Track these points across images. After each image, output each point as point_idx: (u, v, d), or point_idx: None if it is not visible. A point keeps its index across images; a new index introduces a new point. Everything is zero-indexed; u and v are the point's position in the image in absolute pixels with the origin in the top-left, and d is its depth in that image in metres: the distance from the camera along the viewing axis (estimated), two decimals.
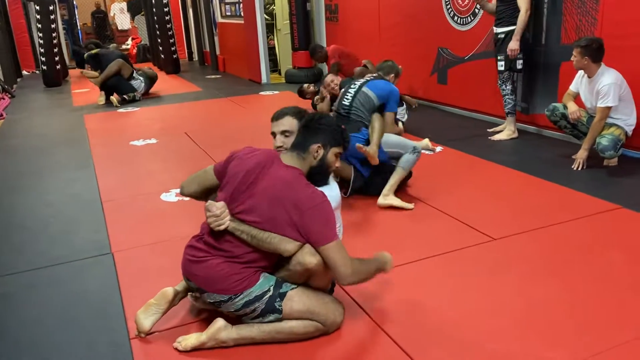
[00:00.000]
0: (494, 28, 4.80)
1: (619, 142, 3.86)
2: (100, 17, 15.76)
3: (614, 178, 3.81)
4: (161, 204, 3.79)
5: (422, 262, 2.74)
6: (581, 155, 3.99)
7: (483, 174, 4.08)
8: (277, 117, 2.47)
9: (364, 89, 3.77)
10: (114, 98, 7.66)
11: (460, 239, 2.96)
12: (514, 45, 4.59)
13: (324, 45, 8.66)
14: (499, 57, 4.75)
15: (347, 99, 3.78)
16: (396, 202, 3.46)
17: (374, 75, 4.05)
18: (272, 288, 2.08)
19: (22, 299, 2.64)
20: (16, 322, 2.43)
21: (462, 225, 3.15)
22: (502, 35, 4.71)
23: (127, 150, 5.28)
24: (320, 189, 2.10)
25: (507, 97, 4.83)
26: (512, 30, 4.59)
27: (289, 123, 2.42)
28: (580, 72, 3.99)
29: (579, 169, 3.97)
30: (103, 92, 7.78)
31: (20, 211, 3.82)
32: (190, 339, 2.11)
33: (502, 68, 4.75)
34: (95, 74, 7.75)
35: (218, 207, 2.04)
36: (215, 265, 2.07)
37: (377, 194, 3.53)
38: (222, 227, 2.03)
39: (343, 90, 3.92)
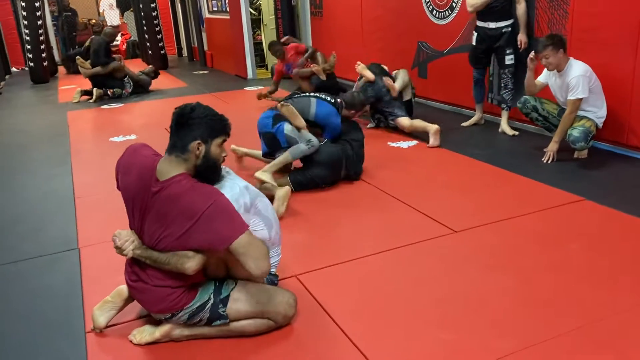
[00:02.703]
0: (492, 23, 4.67)
1: (590, 133, 3.89)
2: (69, 17, 12.19)
3: (582, 170, 3.85)
4: None
5: (381, 255, 2.77)
6: (552, 147, 4.02)
7: (453, 167, 4.11)
8: None
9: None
10: (95, 92, 7.66)
11: (422, 232, 3.00)
12: (525, 37, 4.57)
13: (310, 41, 8.68)
14: (507, 52, 4.68)
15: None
16: (269, 179, 3.47)
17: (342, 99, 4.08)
18: (212, 296, 2.06)
19: None
20: None
21: (425, 217, 3.19)
22: (509, 29, 4.64)
23: (106, 146, 5.30)
24: (221, 190, 1.99)
25: (509, 92, 4.78)
26: (512, 24, 4.63)
27: None
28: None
29: (549, 161, 4.00)
30: (78, 90, 7.78)
31: None
32: (145, 335, 2.15)
33: (512, 62, 4.70)
34: (88, 64, 7.77)
35: (121, 237, 2.03)
36: (149, 290, 2.05)
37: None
38: (127, 257, 2.03)
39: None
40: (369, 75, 5.05)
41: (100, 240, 3.15)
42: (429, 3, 5.84)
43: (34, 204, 3.86)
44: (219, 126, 2.03)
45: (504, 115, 4.88)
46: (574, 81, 3.81)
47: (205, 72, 10.36)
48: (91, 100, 7.64)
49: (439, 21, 5.76)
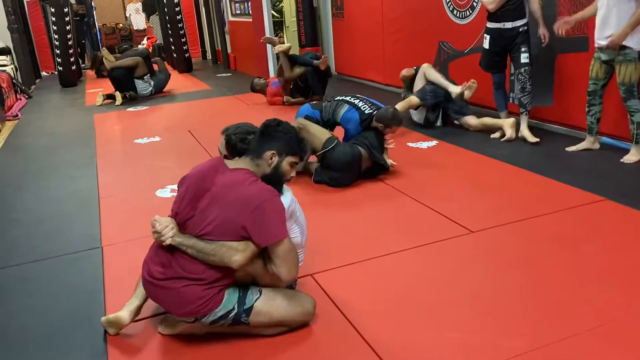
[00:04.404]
0: (508, 23, 4.45)
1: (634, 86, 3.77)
2: (77, 22, 11.72)
3: (604, 170, 3.78)
4: (156, 199, 3.90)
5: (397, 255, 2.79)
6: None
7: (472, 167, 4.09)
8: (223, 131, 2.65)
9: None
10: (118, 96, 7.84)
11: (438, 232, 3.00)
12: (546, 30, 4.41)
13: (332, 42, 8.72)
14: (523, 49, 4.47)
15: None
16: None
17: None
18: (235, 306, 2.06)
19: (12, 290, 2.76)
20: (4, 312, 2.56)
21: (442, 217, 3.19)
22: (525, 28, 4.46)
23: (130, 148, 5.42)
24: None
25: (528, 95, 4.54)
26: (527, 22, 4.47)
27: (222, 142, 2.54)
28: None
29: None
30: (101, 94, 7.87)
31: (19, 207, 3.96)
32: (166, 327, 2.22)
33: (528, 60, 4.48)
34: (112, 57, 7.96)
35: (161, 222, 2.03)
36: (177, 291, 2.02)
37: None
38: (165, 243, 2.01)
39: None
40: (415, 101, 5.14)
41: (123, 239, 3.24)
42: (450, 3, 5.81)
43: (60, 203, 3.98)
44: (296, 146, 2.17)
45: (524, 120, 4.61)
46: None
47: (229, 74, 10.48)
48: (116, 104, 7.80)
49: (459, 21, 5.73)
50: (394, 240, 2.95)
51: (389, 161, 3.99)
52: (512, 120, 4.70)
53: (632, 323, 2.10)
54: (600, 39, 3.84)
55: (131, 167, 4.75)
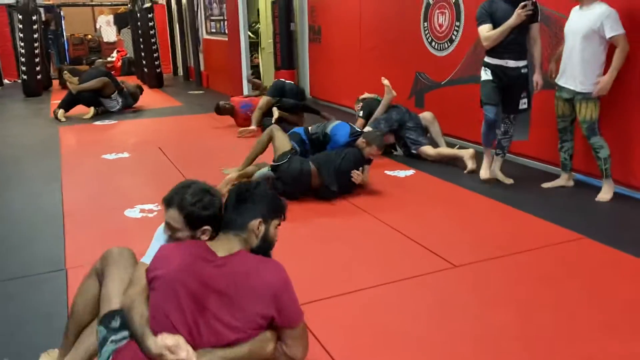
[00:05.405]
0: (512, 62, 4.05)
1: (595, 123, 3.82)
2: (43, 30, 10.90)
3: (580, 207, 3.82)
4: (124, 219, 3.72)
5: (380, 288, 2.70)
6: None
7: (451, 199, 4.08)
8: (165, 203, 1.90)
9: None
10: (91, 110, 7.59)
11: (421, 265, 2.94)
12: (540, 78, 4.10)
13: (307, 66, 8.73)
14: (522, 95, 4.14)
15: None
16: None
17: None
18: None
19: None
20: None
21: (424, 250, 3.13)
22: (526, 70, 4.11)
23: (97, 163, 5.21)
24: None
25: (509, 139, 4.34)
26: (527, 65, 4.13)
27: (173, 217, 1.87)
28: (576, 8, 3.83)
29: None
30: (62, 110, 7.48)
31: None
32: None
33: (526, 106, 4.19)
34: (75, 80, 7.67)
35: (181, 346, 1.58)
36: None
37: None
38: None
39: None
40: (394, 92, 5.17)
41: (89, 261, 3.01)
42: (428, 35, 5.88)
43: (21, 220, 3.76)
44: (279, 207, 1.91)
45: (498, 161, 4.38)
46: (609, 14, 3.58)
47: (201, 92, 10.34)
48: (87, 117, 7.53)
49: (438, 52, 5.79)
50: (377, 272, 2.86)
51: (363, 178, 4.07)
52: (471, 151, 4.69)
53: None
54: (561, 78, 3.94)
55: (98, 184, 4.55)
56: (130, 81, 9.03)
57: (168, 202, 1.88)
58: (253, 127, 6.24)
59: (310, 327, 2.32)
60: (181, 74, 12.68)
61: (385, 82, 5.17)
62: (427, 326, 2.38)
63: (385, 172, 4.70)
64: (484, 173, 4.35)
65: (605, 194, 3.92)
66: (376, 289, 2.70)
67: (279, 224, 1.92)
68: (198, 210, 1.84)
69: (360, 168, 4.02)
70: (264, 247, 1.85)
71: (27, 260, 3.10)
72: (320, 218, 3.72)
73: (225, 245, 1.77)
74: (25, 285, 2.82)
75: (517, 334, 2.30)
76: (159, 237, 1.96)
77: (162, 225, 1.94)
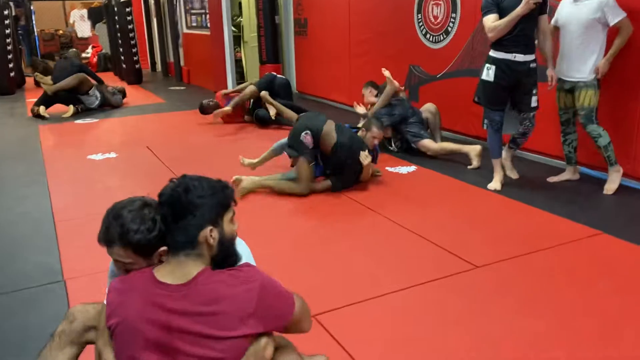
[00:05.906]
0: (520, 55, 3.77)
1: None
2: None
3: (589, 201, 3.75)
4: None
5: (403, 293, 2.58)
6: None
7: (457, 195, 3.97)
8: (105, 243, 1.59)
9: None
10: (71, 107, 7.29)
11: (442, 266, 2.82)
12: (554, 72, 3.91)
13: (293, 60, 8.54)
14: (534, 92, 3.89)
15: None
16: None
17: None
18: None
19: None
20: None
21: (442, 250, 3.01)
22: (535, 64, 3.86)
23: (84, 164, 4.96)
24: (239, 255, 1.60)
25: (527, 138, 4.19)
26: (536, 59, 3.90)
27: (120, 254, 1.58)
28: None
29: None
30: (43, 107, 7.20)
31: None
32: None
33: (537, 104, 3.94)
34: (49, 80, 7.33)
35: None
36: None
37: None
38: None
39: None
40: (396, 84, 4.98)
41: (88, 271, 2.85)
42: (423, 27, 5.76)
43: (7, 227, 3.52)
44: (224, 198, 1.55)
45: (509, 154, 4.27)
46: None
47: (182, 87, 10.07)
48: (66, 115, 7.22)
49: (433, 45, 5.68)
50: (397, 276, 2.74)
51: (369, 168, 4.06)
52: (478, 148, 4.57)
53: None
54: (560, 70, 3.89)
55: (87, 187, 4.32)
56: (109, 80, 8.71)
57: (108, 241, 1.57)
58: (228, 108, 6.28)
59: (337, 335, 2.21)
60: (160, 69, 12.37)
61: (386, 73, 5.00)
62: (456, 331, 2.26)
63: (387, 168, 4.57)
64: (493, 185, 4.04)
65: (612, 184, 3.86)
66: (400, 293, 2.57)
67: (234, 213, 1.58)
68: (145, 237, 1.53)
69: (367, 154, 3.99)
70: (225, 252, 1.55)
71: (22, 271, 2.89)
72: (328, 217, 3.57)
73: (177, 272, 1.47)
74: (22, 299, 2.61)
75: (557, 341, 2.19)
76: (113, 275, 1.72)
77: (112, 262, 1.66)
